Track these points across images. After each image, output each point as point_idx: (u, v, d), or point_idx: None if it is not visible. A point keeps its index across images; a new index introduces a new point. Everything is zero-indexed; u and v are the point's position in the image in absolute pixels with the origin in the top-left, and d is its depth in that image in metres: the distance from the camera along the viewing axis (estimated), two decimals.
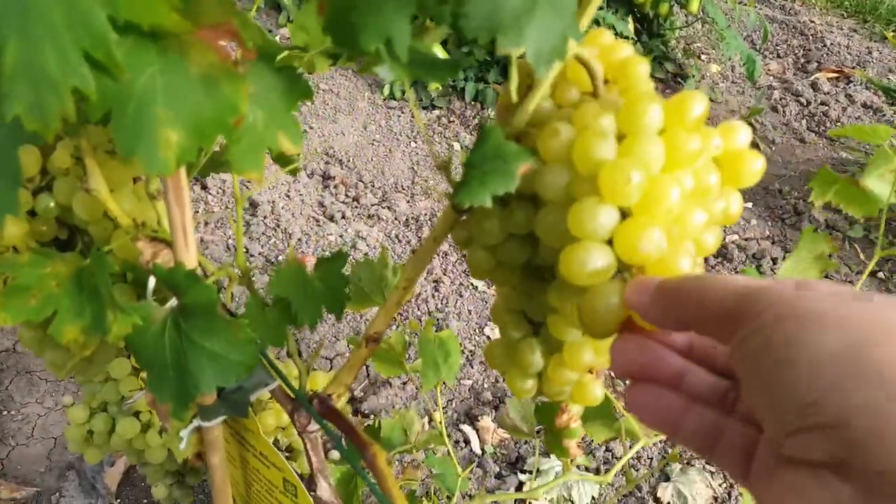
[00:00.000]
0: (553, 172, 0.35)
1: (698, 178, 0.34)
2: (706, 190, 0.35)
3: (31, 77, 0.25)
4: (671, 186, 0.32)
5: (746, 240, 1.75)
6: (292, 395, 0.47)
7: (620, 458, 0.67)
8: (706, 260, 1.67)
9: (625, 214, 0.32)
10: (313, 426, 0.46)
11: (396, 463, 1.09)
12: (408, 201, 1.82)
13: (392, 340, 0.72)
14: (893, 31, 2.78)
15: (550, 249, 0.36)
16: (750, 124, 2.25)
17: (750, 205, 1.90)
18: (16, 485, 1.05)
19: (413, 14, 0.26)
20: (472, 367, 1.34)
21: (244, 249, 1.56)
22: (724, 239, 1.73)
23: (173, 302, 0.39)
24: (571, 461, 0.49)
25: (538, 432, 0.88)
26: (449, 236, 0.42)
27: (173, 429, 0.44)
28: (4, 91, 0.25)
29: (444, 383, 0.61)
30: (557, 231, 0.34)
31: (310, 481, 0.49)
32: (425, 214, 1.78)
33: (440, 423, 0.65)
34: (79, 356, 0.41)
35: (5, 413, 1.16)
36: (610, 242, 0.32)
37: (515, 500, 1.11)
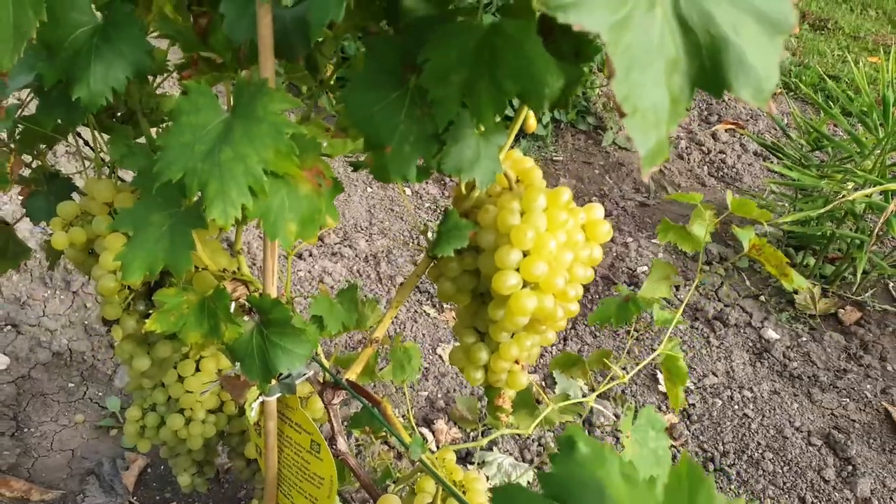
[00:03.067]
0: (487, 233, 0.62)
1: (569, 235, 0.62)
2: (575, 243, 0.62)
3: (222, 199, 0.50)
4: (550, 240, 0.59)
5: None
6: (322, 380, 0.71)
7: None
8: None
9: (525, 255, 0.59)
10: (336, 400, 0.71)
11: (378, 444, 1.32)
12: (367, 240, 2.07)
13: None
14: (781, 90, 3.23)
15: (487, 278, 0.62)
16: (660, 171, 2.61)
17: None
18: (44, 488, 1.23)
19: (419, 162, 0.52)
20: (428, 381, 1.59)
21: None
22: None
23: (256, 318, 0.63)
24: (503, 424, 0.75)
25: (480, 419, 1.14)
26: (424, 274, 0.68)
27: (247, 402, 0.68)
28: (208, 205, 0.49)
29: (404, 395, 0.85)
30: (490, 266, 0.60)
31: (331, 440, 0.73)
32: (382, 252, 2.04)
33: (408, 413, 0.89)
34: (194, 354, 0.64)
35: (26, 430, 1.33)
36: (518, 270, 0.59)
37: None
